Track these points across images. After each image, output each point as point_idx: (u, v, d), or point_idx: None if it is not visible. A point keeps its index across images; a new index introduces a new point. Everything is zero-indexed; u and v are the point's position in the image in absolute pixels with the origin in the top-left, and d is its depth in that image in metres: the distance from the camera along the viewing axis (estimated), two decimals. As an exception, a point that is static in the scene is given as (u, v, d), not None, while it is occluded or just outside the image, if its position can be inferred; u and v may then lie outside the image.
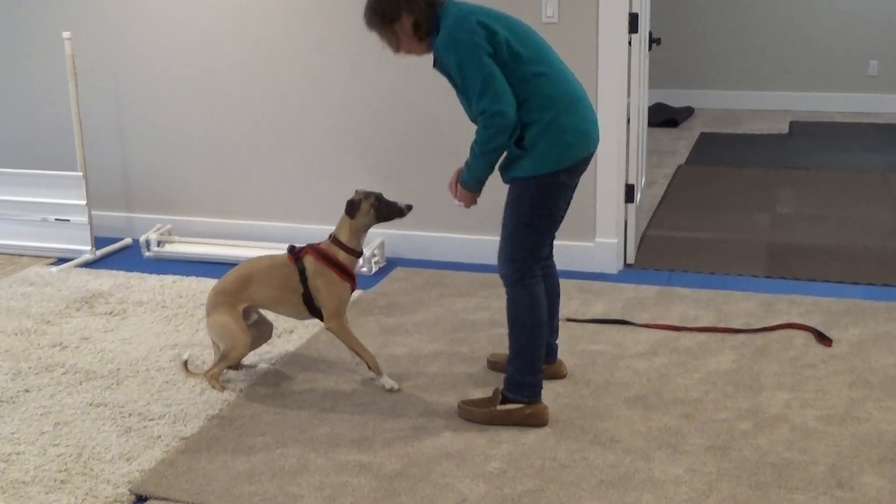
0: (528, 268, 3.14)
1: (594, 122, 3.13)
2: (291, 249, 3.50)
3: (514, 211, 3.11)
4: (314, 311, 3.49)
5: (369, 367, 3.49)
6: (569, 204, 3.19)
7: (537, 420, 3.19)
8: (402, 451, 3.06)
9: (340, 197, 5.09)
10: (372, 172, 4.99)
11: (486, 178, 3.13)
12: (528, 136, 3.02)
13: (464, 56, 2.97)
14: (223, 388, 3.50)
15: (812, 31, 9.04)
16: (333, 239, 3.46)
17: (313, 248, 3.47)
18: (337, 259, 3.44)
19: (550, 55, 3.09)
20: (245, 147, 5.23)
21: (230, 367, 3.59)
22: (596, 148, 3.15)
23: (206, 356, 3.79)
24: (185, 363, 3.61)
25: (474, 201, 3.23)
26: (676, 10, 9.26)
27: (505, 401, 3.21)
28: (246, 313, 3.54)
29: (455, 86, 3.11)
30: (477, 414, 3.23)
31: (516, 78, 3.00)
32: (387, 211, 3.44)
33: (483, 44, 2.96)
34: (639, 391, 3.44)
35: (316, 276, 3.43)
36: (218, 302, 3.50)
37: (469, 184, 3.14)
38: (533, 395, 3.20)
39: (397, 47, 3.19)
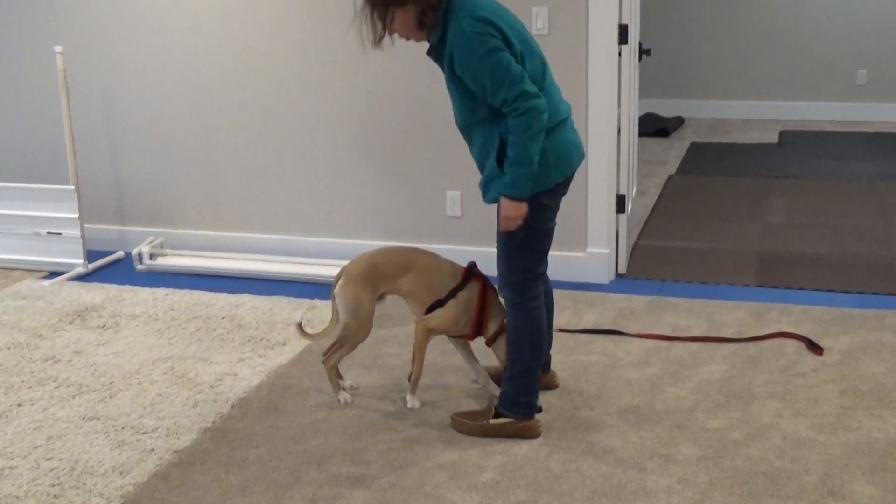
0: (526, 288, 3.11)
1: (576, 144, 3.06)
2: (473, 267, 3.38)
3: (502, 233, 3.07)
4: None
5: (409, 379, 3.47)
6: (554, 223, 3.11)
7: (530, 433, 3.19)
8: (396, 462, 3.07)
9: (334, 209, 5.10)
10: (366, 185, 5.00)
11: (532, 175, 2.90)
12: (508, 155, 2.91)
13: (478, 51, 2.83)
14: (339, 388, 3.50)
15: (801, 41, 9.09)
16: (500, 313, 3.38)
17: (488, 285, 3.37)
18: (487, 312, 3.35)
19: (547, 74, 3.02)
20: (237, 160, 5.24)
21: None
22: (577, 167, 3.07)
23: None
24: (300, 325, 3.49)
25: (525, 213, 2.97)
26: (666, 21, 9.31)
27: (498, 416, 3.21)
28: (380, 297, 3.45)
29: (451, 79, 2.96)
30: (469, 426, 3.23)
31: None
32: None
33: (499, 43, 2.84)
34: (631, 401, 3.45)
35: (464, 299, 3.34)
36: (367, 276, 3.37)
37: (521, 190, 2.89)
38: (528, 413, 3.20)
39: (389, 31, 2.98)
